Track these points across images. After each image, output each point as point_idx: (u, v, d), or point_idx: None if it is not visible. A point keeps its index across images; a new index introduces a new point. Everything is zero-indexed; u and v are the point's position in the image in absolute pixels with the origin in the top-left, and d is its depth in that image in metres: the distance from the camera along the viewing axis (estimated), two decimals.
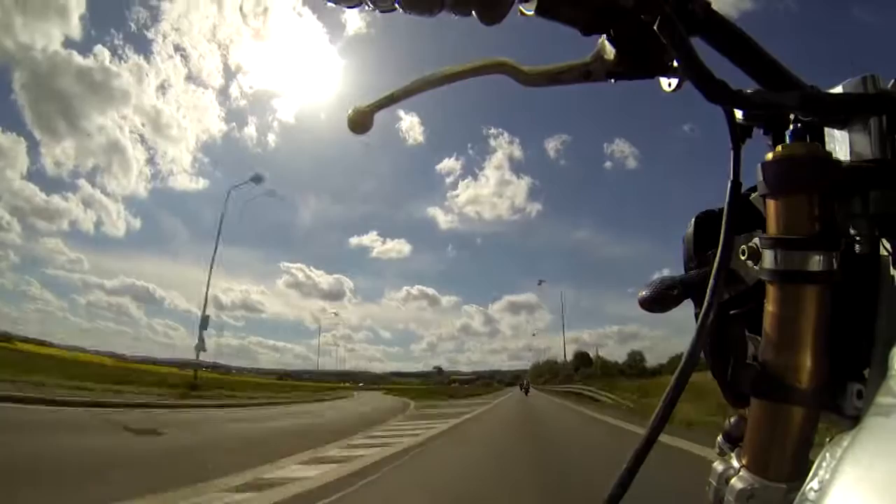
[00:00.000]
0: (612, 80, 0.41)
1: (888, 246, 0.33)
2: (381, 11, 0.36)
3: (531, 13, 0.36)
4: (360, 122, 0.41)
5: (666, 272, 0.44)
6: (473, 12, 0.35)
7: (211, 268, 20.42)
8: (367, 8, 0.35)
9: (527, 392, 42.64)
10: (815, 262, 0.32)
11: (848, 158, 0.36)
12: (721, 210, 0.38)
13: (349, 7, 0.36)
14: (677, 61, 0.38)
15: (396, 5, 0.35)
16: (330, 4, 0.35)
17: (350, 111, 0.40)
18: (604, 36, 0.40)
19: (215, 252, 20.43)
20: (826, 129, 0.38)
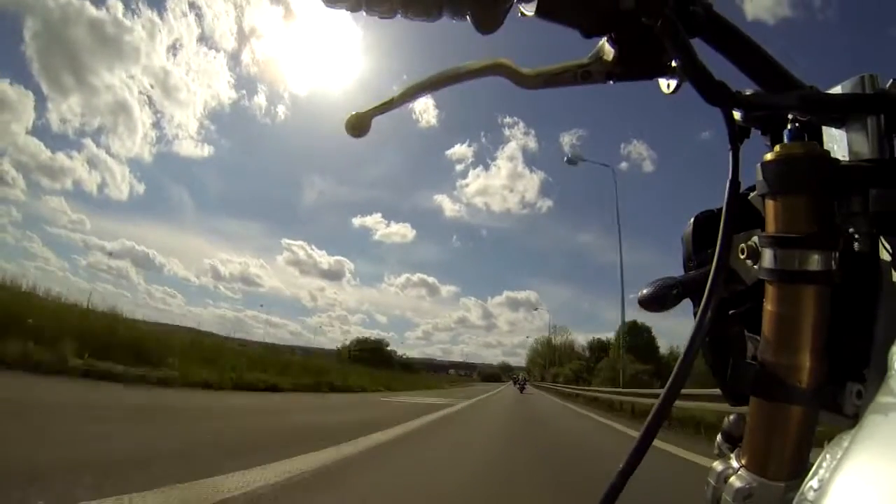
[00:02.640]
0: (611, 82, 0.42)
1: (887, 245, 0.33)
2: (380, 17, 0.36)
3: (531, 15, 0.36)
4: (359, 126, 0.41)
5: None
6: (468, 18, 0.35)
7: None
8: (364, 13, 0.36)
9: (522, 389, 31.62)
10: (814, 261, 0.32)
11: (846, 157, 0.36)
12: (721, 210, 0.38)
13: (349, 10, 0.36)
14: (677, 63, 0.38)
15: (397, 13, 0.35)
16: (328, 8, 0.36)
17: (349, 115, 0.41)
18: (604, 38, 0.40)
19: None
20: (824, 129, 0.38)
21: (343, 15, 0.36)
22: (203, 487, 2.17)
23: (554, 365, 48.30)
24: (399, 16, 0.36)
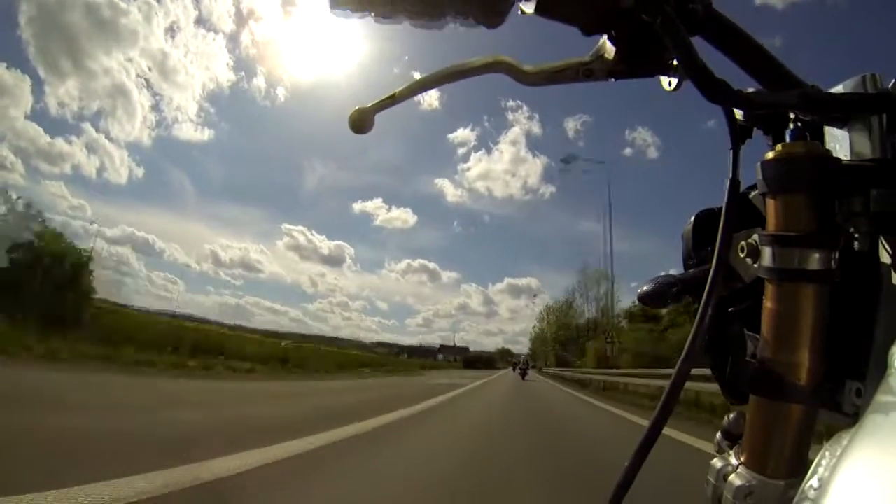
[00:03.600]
0: (613, 80, 0.42)
1: (887, 245, 0.33)
2: (385, 22, 0.36)
3: (531, 12, 0.36)
4: (362, 122, 0.42)
5: (673, 272, 0.44)
6: (472, 18, 0.35)
7: None
8: (370, 17, 0.36)
9: (524, 375, 25.30)
10: (814, 260, 0.32)
11: (848, 157, 0.36)
12: (721, 208, 0.38)
13: (355, 15, 0.36)
14: (678, 61, 0.38)
15: (403, 18, 0.35)
16: (335, 12, 0.36)
17: (352, 112, 0.41)
18: (604, 35, 0.40)
19: None
20: (826, 129, 0.38)
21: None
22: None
23: (596, 334, 28.59)
24: (405, 21, 0.36)
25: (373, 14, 0.36)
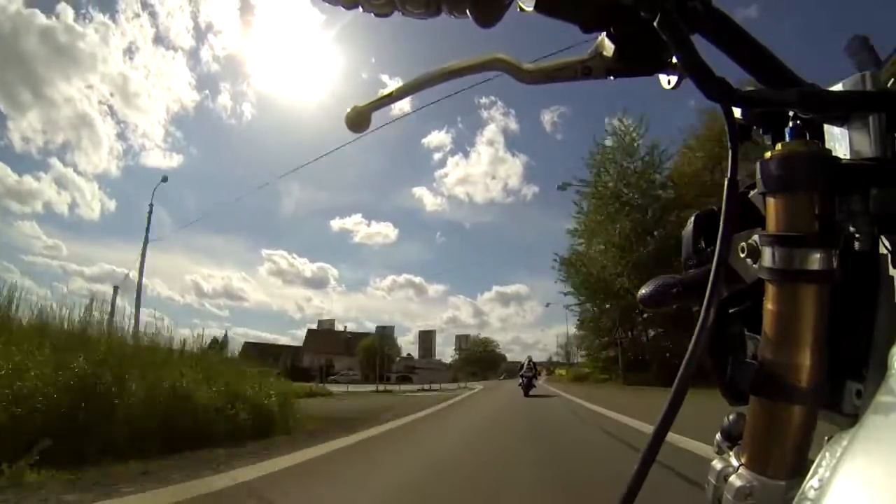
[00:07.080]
0: (612, 78, 0.42)
1: (888, 244, 0.33)
2: (377, 15, 0.36)
3: (530, 10, 0.36)
4: (359, 120, 0.41)
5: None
6: (468, 13, 0.35)
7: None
8: (362, 10, 0.35)
9: (528, 388, 16.79)
10: (815, 260, 0.32)
11: (848, 156, 0.36)
12: (721, 209, 0.38)
13: (346, 8, 0.35)
14: (677, 59, 0.37)
15: (395, 9, 0.35)
16: (325, 4, 0.35)
17: (349, 110, 0.41)
18: (603, 33, 0.40)
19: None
20: (826, 127, 0.38)
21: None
22: None
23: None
24: (398, 13, 0.35)
25: (366, 9, 0.35)
